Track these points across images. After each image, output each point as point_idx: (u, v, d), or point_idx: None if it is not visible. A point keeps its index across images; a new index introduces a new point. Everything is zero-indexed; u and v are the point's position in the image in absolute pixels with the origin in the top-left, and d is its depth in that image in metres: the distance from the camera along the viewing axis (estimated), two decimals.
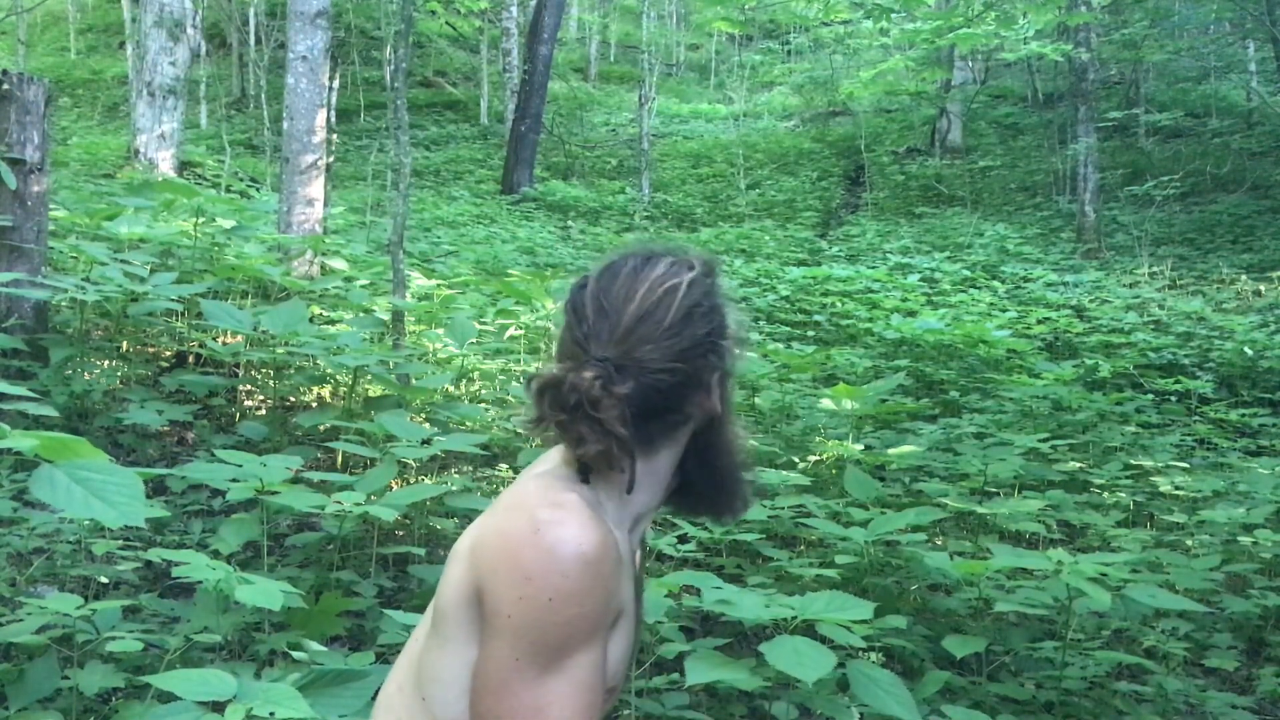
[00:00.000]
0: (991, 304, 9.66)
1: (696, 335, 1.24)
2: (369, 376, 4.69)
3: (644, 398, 1.20)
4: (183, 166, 11.00)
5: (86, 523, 2.98)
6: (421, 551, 3.30)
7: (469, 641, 1.18)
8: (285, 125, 6.79)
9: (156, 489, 3.78)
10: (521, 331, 6.11)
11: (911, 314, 8.70)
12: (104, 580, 3.05)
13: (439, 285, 6.54)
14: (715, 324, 1.28)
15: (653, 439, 1.25)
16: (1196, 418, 6.75)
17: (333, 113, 7.17)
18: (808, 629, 2.39)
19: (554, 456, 1.29)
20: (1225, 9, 14.02)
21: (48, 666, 2.29)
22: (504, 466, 4.48)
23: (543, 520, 1.15)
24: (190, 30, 10.70)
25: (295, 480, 3.15)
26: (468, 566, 1.20)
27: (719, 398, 1.29)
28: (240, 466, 2.93)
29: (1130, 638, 3.54)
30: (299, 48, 6.74)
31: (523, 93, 15.69)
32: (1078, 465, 5.01)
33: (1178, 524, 4.45)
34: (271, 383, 4.89)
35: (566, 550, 1.12)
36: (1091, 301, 10.00)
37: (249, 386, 4.93)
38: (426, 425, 4.09)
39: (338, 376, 4.95)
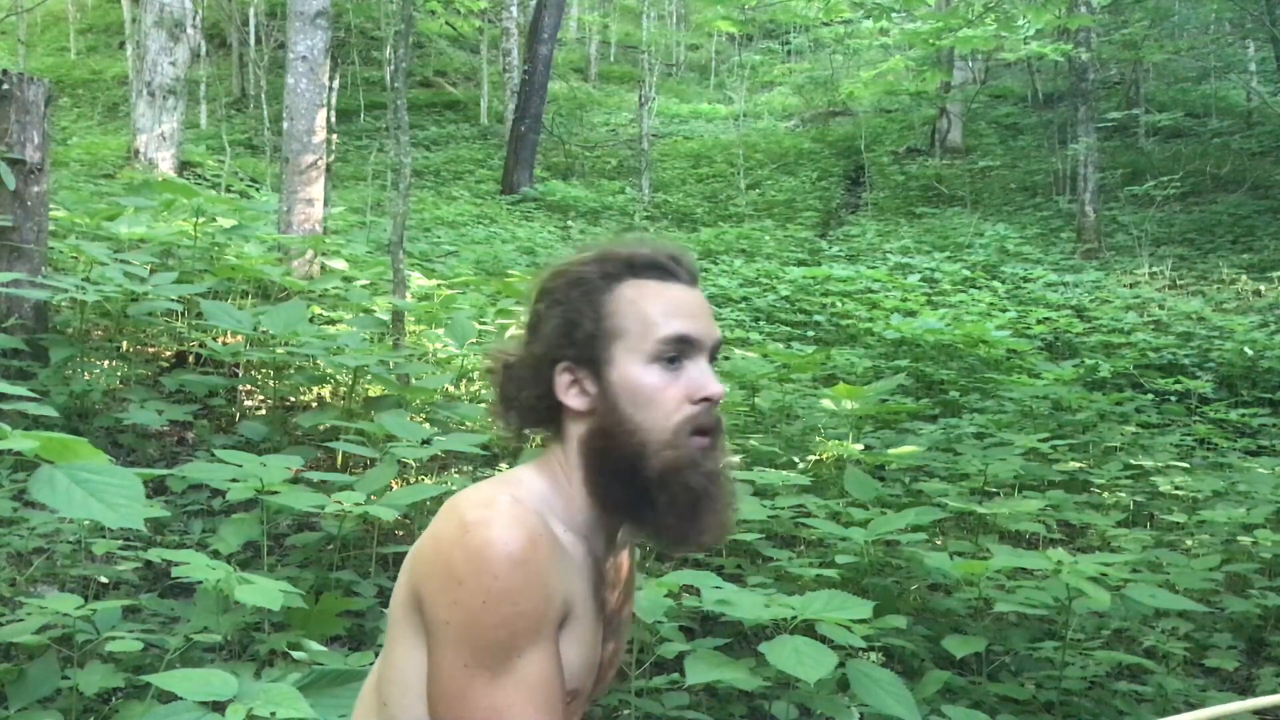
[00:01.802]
0: (991, 304, 9.66)
1: (550, 319, 1.26)
2: (369, 376, 4.69)
3: (509, 373, 1.29)
4: (183, 166, 11.00)
5: (86, 523, 2.98)
6: None
7: (415, 645, 1.19)
8: (285, 125, 6.79)
9: (156, 489, 3.78)
10: (521, 331, 6.10)
11: (911, 314, 8.70)
12: (104, 580, 3.05)
13: (439, 285, 6.54)
14: (574, 314, 1.25)
15: (524, 420, 1.29)
16: (1196, 418, 6.75)
17: (333, 113, 7.17)
18: (808, 629, 2.39)
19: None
20: (1225, 9, 14.02)
21: (48, 666, 2.29)
22: (504, 466, 4.48)
23: (470, 522, 1.14)
24: (190, 30, 10.70)
25: (295, 480, 3.15)
26: (408, 569, 1.22)
27: (580, 394, 1.24)
28: (240, 466, 2.93)
29: (1130, 638, 3.54)
30: (299, 48, 6.74)
31: (523, 93, 15.69)
32: (1078, 465, 5.01)
33: (1178, 524, 4.45)
34: (271, 383, 4.89)
35: (494, 551, 1.12)
36: (1091, 301, 10.00)
37: (249, 386, 4.93)
38: (426, 425, 4.09)
39: (338, 376, 4.95)
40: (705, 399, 1.21)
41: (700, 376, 1.22)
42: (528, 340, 1.29)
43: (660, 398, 1.21)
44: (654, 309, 1.23)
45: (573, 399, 1.25)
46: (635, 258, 1.26)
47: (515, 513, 1.16)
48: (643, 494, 1.20)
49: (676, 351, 1.22)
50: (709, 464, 1.22)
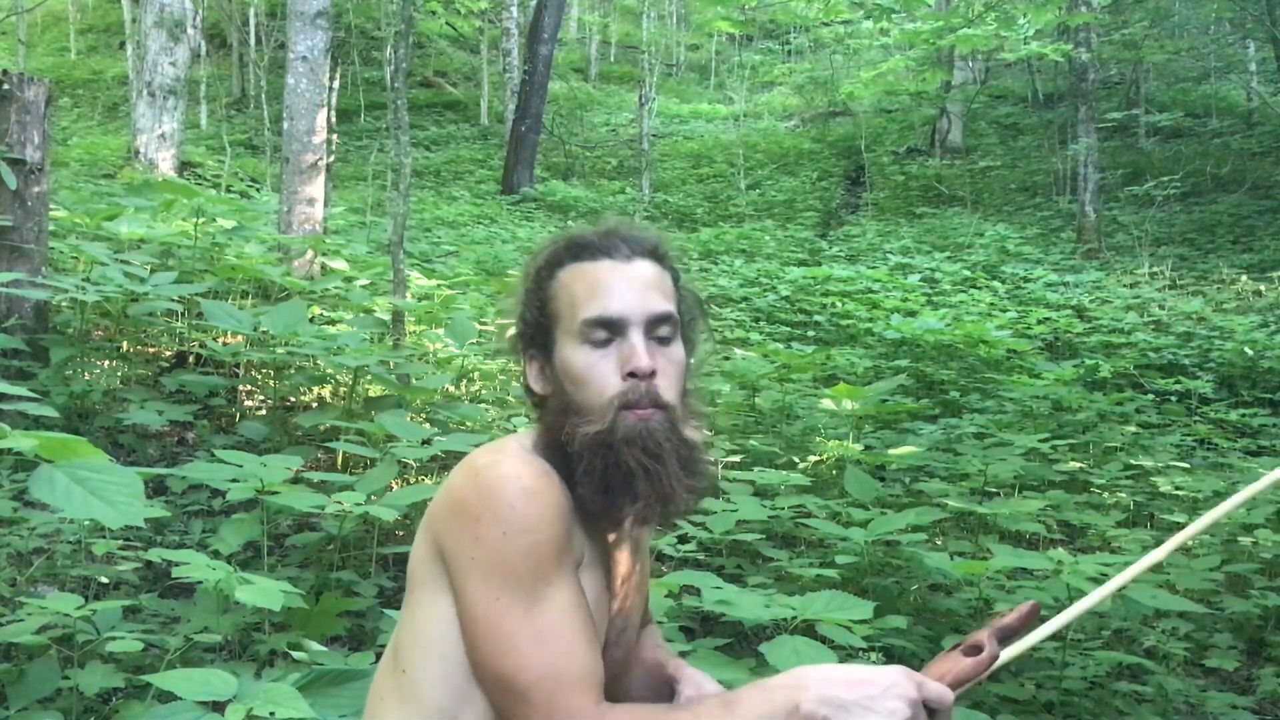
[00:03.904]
0: (992, 304, 9.65)
1: (516, 311, 1.33)
2: (369, 376, 4.69)
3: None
4: (183, 166, 10.99)
5: (86, 523, 2.98)
6: None
7: (435, 594, 1.21)
8: (285, 125, 6.79)
9: (156, 489, 3.78)
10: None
11: (912, 314, 8.69)
12: (104, 580, 3.04)
13: (439, 285, 6.54)
14: (527, 303, 1.31)
15: (532, 402, 1.33)
16: (1197, 418, 6.75)
17: (333, 113, 7.17)
18: (808, 629, 2.39)
19: None
20: (1225, 9, 14.02)
21: (48, 666, 2.29)
22: None
23: (481, 465, 1.19)
24: (190, 30, 10.69)
25: (295, 480, 3.14)
26: (425, 528, 1.25)
27: (542, 380, 1.29)
28: (240, 466, 2.93)
29: (1130, 638, 3.53)
30: (299, 48, 6.74)
31: (523, 93, 15.69)
32: (1078, 465, 5.00)
33: (1178, 524, 4.45)
34: (271, 383, 4.89)
35: (506, 486, 1.15)
36: (1092, 302, 10.00)
37: (249, 386, 4.93)
38: (426, 425, 4.09)
39: (338, 376, 4.95)
40: (631, 373, 1.21)
41: (628, 351, 1.22)
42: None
43: (591, 376, 1.22)
44: (579, 291, 1.25)
45: (538, 385, 1.30)
46: (574, 241, 1.29)
47: (524, 456, 1.21)
48: (573, 466, 1.22)
49: (605, 332, 1.23)
50: (647, 439, 1.20)
